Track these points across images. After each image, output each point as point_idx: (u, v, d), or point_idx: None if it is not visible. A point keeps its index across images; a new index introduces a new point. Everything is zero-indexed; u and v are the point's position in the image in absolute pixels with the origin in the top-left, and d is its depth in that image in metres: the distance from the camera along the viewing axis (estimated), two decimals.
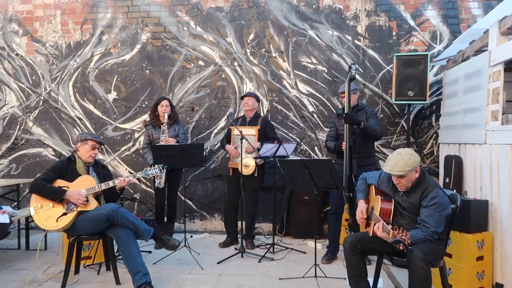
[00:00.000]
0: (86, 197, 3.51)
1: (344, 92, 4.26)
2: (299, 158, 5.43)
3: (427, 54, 4.75)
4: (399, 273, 3.90)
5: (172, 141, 4.76)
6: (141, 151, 5.55)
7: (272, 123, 5.10)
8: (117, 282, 3.59)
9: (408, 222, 2.95)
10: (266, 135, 4.78)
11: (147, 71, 5.84)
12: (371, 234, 3.01)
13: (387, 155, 5.18)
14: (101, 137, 5.78)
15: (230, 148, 4.76)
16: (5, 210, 3.52)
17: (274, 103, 5.65)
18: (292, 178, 3.82)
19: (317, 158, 5.45)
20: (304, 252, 4.64)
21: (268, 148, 4.38)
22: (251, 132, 4.72)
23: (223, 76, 5.73)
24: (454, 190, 3.95)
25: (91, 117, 5.92)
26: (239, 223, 4.88)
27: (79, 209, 3.48)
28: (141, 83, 5.85)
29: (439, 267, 2.89)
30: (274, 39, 5.63)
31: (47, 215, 3.44)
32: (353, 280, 2.99)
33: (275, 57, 5.64)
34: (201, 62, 5.76)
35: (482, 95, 3.84)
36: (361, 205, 3.19)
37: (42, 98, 5.97)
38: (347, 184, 3.94)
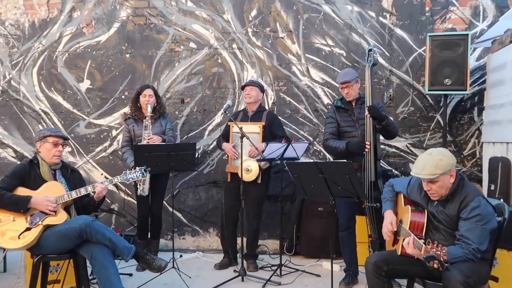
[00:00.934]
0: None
1: (344, 82, 4.33)
2: (312, 160, 5.43)
3: (467, 34, 4.74)
4: None
5: (157, 140, 4.77)
6: (119, 152, 5.57)
7: (280, 118, 5.12)
8: None
9: (444, 238, 2.95)
10: (272, 132, 4.78)
11: (127, 55, 5.86)
12: (399, 253, 3.01)
13: None
14: (72, 135, 5.82)
15: (227, 148, 4.77)
16: None
17: (281, 94, 5.65)
18: (303, 184, 3.82)
19: (333, 160, 5.44)
20: (318, 275, 4.64)
21: (275, 149, 4.39)
22: (254, 129, 4.72)
23: (219, 61, 5.74)
24: (501, 200, 3.94)
25: (59, 111, 5.94)
26: (239, 240, 4.88)
27: (45, 222, 3.49)
28: (120, 70, 5.87)
29: None
30: (281, 16, 5.64)
31: (7, 231, 3.45)
32: None
33: (282, 37, 5.65)
34: (192, 44, 5.77)
35: None
36: (389, 216, 3.19)
37: (0, 88, 6.00)
38: (370, 193, 3.94)
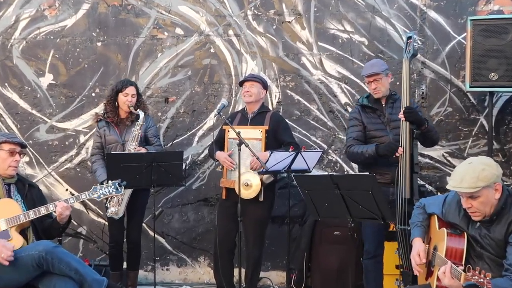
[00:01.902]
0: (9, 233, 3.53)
1: (371, 75, 4.34)
2: (326, 173, 5.43)
3: None
4: None
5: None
6: (89, 163, 5.57)
7: (286, 120, 5.13)
8: None
9: (489, 268, 2.94)
10: (278, 139, 4.79)
11: (99, 44, 5.88)
12: (434, 287, 3.00)
13: None
14: (30, 141, 5.83)
15: (222, 157, 4.77)
16: None
17: (288, 91, 5.67)
18: (315, 203, 3.82)
19: (353, 173, 5.45)
20: None
21: (280, 159, 4.39)
22: (254, 134, 4.73)
23: (212, 50, 5.76)
24: None
25: (14, 112, 5.95)
26: (236, 272, 4.88)
27: None
28: (90, 62, 5.89)
29: None
30: None
31: None
32: None
33: (289, 22, 5.67)
34: (179, 30, 5.79)
35: None
36: (417, 246, 3.20)
37: None
38: (401, 213, 3.94)
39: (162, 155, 4.71)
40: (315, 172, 5.04)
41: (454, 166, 5.37)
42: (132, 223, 4.96)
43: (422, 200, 3.45)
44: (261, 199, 4.70)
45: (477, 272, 2.64)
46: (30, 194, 3.84)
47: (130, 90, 4.92)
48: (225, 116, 4.84)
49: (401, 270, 4.23)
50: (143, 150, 4.79)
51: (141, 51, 5.83)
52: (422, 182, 5.40)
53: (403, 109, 4.15)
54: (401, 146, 4.13)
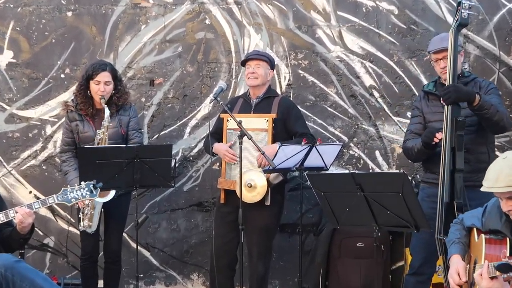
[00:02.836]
0: None
1: (441, 51, 4.27)
2: (347, 171, 5.44)
3: None
4: None
5: None
6: (57, 159, 5.59)
7: (298, 107, 5.14)
8: None
9: None
10: (288, 129, 4.82)
11: (69, 14, 5.88)
12: None
13: None
14: None
15: (222, 149, 4.77)
16: None
17: (300, 72, 5.67)
18: (333, 207, 3.83)
19: (380, 171, 5.46)
20: None
21: (290, 153, 4.40)
22: (259, 124, 4.73)
23: (207, 22, 5.77)
24: None
25: None
26: None
27: None
28: (59, 36, 5.90)
29: None
30: None
31: None
32: None
33: None
34: None
35: None
36: (456, 264, 3.21)
37: None
38: (442, 221, 3.94)
39: (146, 150, 4.72)
40: (333, 170, 5.04)
41: None
42: (109, 232, 4.97)
43: (461, 215, 3.45)
44: (268, 203, 4.71)
45: None
46: None
47: (103, 76, 4.76)
48: (224, 102, 4.84)
49: None
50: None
51: (120, 23, 5.83)
52: None
53: (444, 90, 4.08)
54: (441, 132, 4.07)
